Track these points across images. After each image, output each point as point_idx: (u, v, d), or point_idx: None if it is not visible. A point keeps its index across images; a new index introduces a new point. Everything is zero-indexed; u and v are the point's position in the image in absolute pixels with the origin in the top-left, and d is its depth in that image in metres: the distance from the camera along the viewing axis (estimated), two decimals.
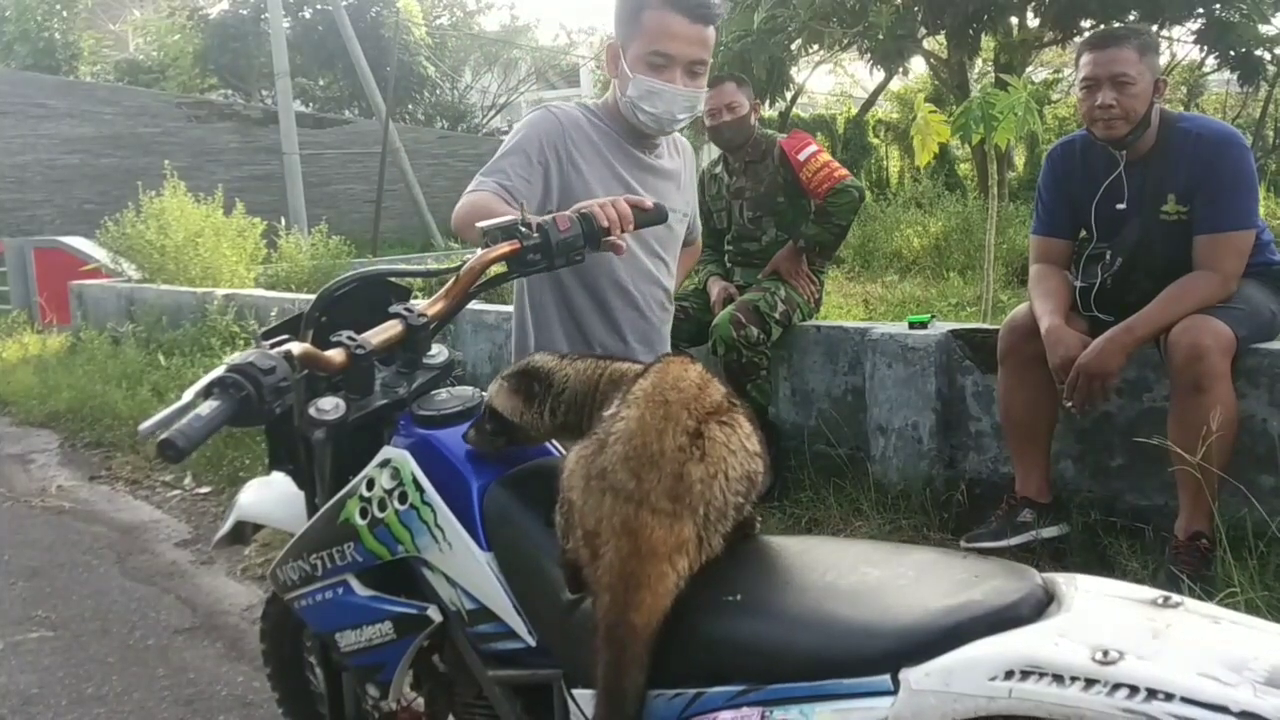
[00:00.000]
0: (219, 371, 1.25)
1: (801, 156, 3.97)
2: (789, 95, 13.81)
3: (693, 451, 1.18)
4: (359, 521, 1.49)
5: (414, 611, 1.48)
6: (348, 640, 1.55)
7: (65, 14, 20.86)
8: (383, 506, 1.47)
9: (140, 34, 25.02)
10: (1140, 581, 1.30)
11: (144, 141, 16.88)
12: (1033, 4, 11.03)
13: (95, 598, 3.62)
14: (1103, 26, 8.90)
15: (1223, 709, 0.81)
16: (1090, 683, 0.87)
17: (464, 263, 1.65)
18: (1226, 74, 11.43)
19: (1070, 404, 2.75)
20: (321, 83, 24.74)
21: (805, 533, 3.36)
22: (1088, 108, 2.82)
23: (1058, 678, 0.88)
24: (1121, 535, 2.93)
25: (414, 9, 22.66)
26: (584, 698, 1.24)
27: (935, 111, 5.64)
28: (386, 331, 1.53)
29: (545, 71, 30.74)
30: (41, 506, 4.80)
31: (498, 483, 1.43)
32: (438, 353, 1.63)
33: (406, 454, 1.47)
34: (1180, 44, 12.07)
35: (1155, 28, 9.86)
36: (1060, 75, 17.79)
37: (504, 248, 1.65)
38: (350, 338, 1.46)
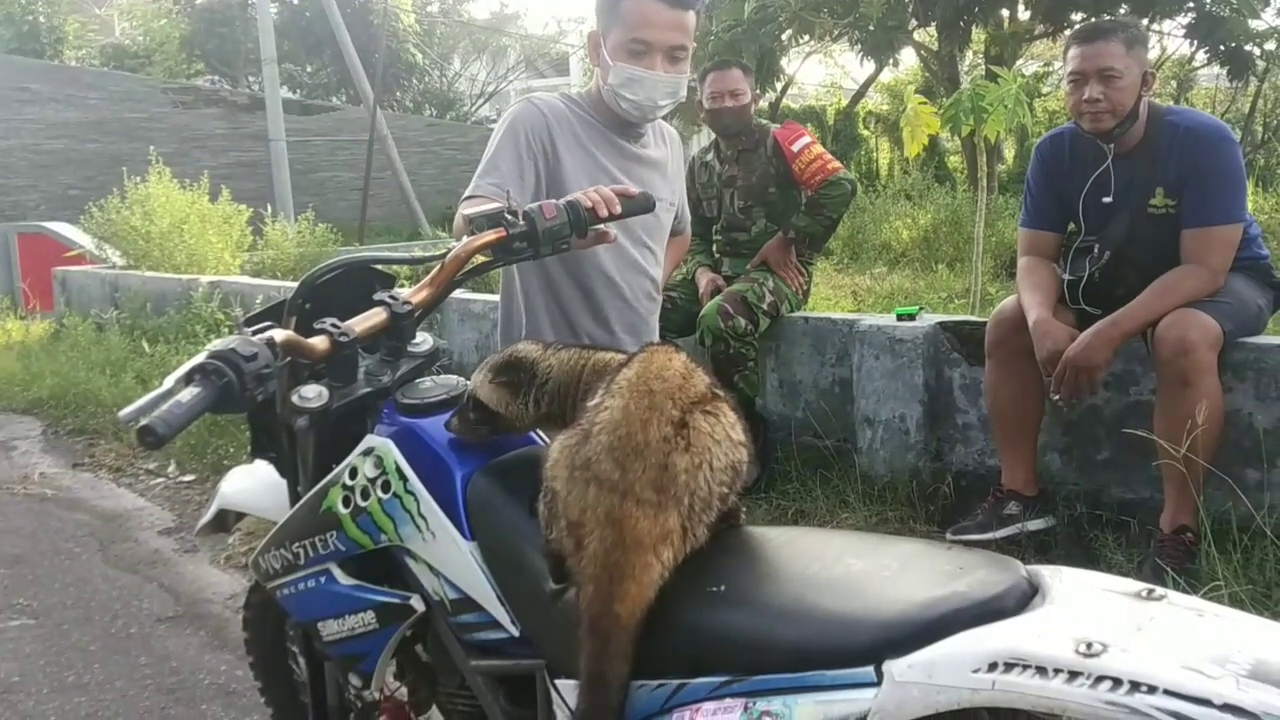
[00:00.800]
0: (200, 358, 1.24)
1: (795, 147, 3.96)
2: (779, 86, 13.80)
3: (677, 441, 1.17)
4: (341, 510, 1.48)
5: (396, 601, 1.47)
6: (330, 629, 1.54)
7: None
8: (365, 495, 1.46)
9: (126, 18, 24.83)
10: (1125, 574, 1.30)
11: (129, 127, 16.76)
12: None
13: (77, 586, 3.60)
14: (1093, 20, 8.90)
15: (1206, 702, 0.81)
16: (1074, 675, 0.87)
17: (449, 250, 1.64)
18: (1216, 69, 11.47)
19: (1057, 397, 2.75)
20: (309, 69, 24.62)
21: (792, 524, 3.36)
22: (1075, 101, 2.82)
23: (1041, 670, 0.88)
24: (1107, 528, 2.94)
25: None
26: (567, 688, 1.24)
27: (925, 103, 5.64)
28: (370, 319, 1.52)
29: (534, 60, 30.64)
30: (24, 494, 4.77)
31: (481, 472, 1.42)
32: (422, 341, 1.62)
33: (390, 442, 1.45)
34: (1170, 38, 12.10)
35: (1146, 21, 9.88)
36: (1051, 68, 17.80)
37: (490, 235, 1.64)
38: (334, 325, 1.45)
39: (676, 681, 1.12)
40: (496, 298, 5.53)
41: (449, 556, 1.39)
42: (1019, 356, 2.90)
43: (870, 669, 0.99)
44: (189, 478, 4.80)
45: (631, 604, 1.14)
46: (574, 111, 2.27)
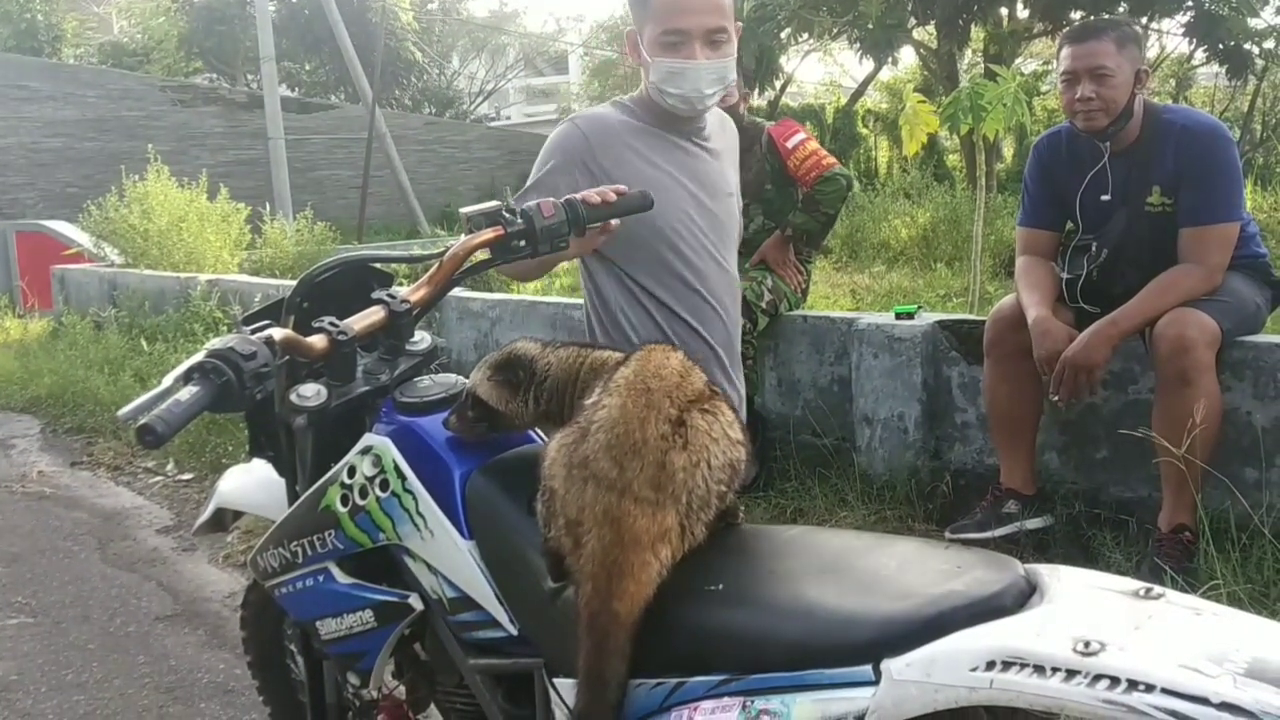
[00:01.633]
0: (199, 357, 1.24)
1: (790, 144, 3.96)
2: (778, 84, 13.80)
3: (675, 440, 1.17)
4: (340, 509, 1.48)
5: (395, 599, 1.47)
6: (328, 628, 1.54)
7: None
8: (364, 494, 1.46)
9: (124, 16, 24.83)
10: (1123, 573, 1.30)
11: (128, 125, 16.75)
12: None
13: (76, 584, 3.60)
14: (1091, 18, 8.90)
15: (1203, 700, 0.81)
16: (1071, 674, 0.87)
17: (448, 249, 1.64)
18: (1215, 67, 11.47)
19: (1056, 397, 2.75)
20: (307, 67, 24.62)
21: (790, 523, 3.36)
22: (1068, 100, 2.83)
23: (1039, 668, 0.88)
24: (1105, 527, 2.94)
25: None
26: (565, 686, 1.24)
27: (924, 101, 5.64)
28: (369, 318, 1.52)
29: (533, 58, 30.64)
30: (22, 492, 4.77)
31: (480, 471, 1.42)
32: (421, 339, 1.61)
33: (388, 441, 1.45)
34: (1169, 37, 12.10)
35: (1145, 20, 9.90)
36: (1049, 67, 17.80)
37: (488, 234, 1.64)
38: (332, 324, 1.45)
39: (675, 680, 1.12)
40: (495, 296, 5.54)
41: (447, 555, 1.39)
42: (1017, 355, 2.90)
43: (868, 667, 0.99)
44: (187, 476, 4.80)
45: (630, 602, 1.14)
46: (624, 119, 2.12)
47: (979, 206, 5.79)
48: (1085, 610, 0.95)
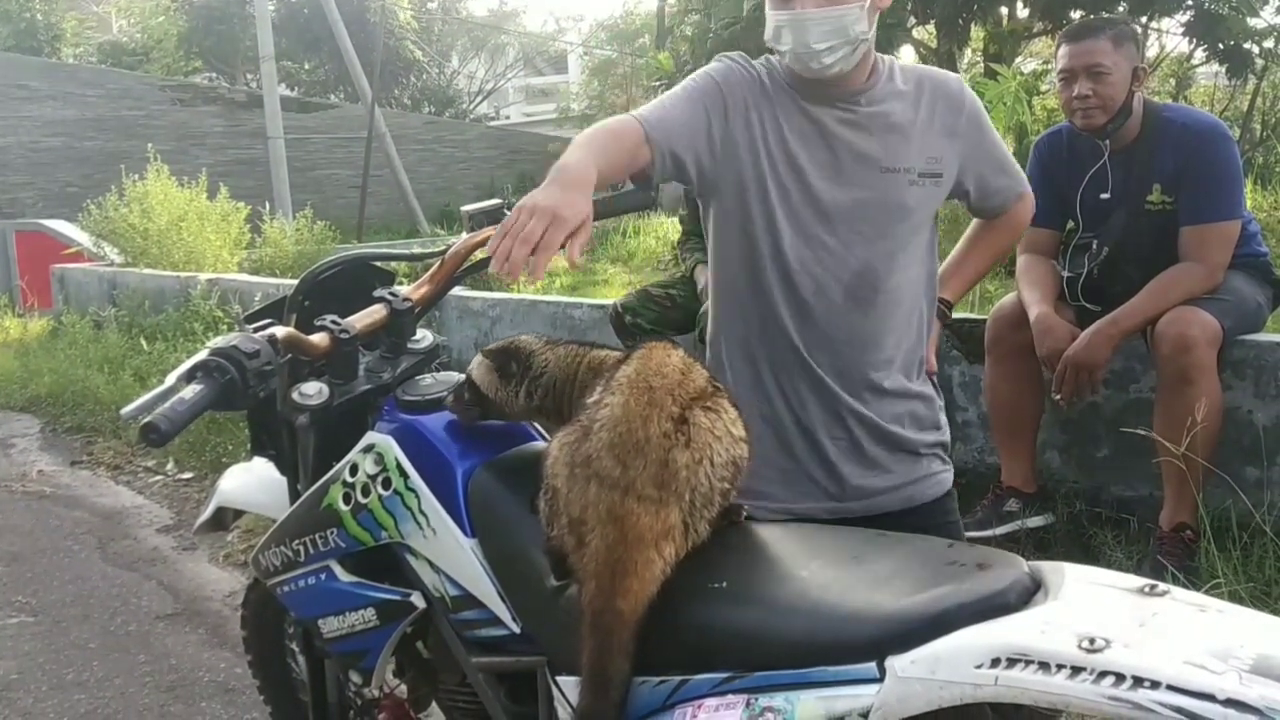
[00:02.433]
0: (202, 355, 1.24)
1: None
2: None
3: (678, 437, 1.17)
4: (342, 507, 1.48)
5: (397, 598, 1.47)
6: (330, 627, 1.54)
7: None
8: (366, 492, 1.46)
9: (124, 16, 24.81)
10: (1125, 572, 1.30)
11: (127, 124, 16.74)
12: None
13: (76, 583, 3.60)
14: (1090, 17, 8.89)
15: (1209, 697, 0.81)
16: (1077, 670, 0.86)
17: (449, 247, 1.64)
18: (1215, 66, 11.46)
19: (1059, 397, 2.75)
20: (307, 66, 24.59)
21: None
22: (1066, 99, 2.85)
23: (1044, 665, 0.88)
24: (1106, 526, 2.94)
25: None
26: (568, 684, 1.23)
27: None
28: (370, 316, 1.52)
29: (533, 58, 30.64)
30: (22, 491, 4.77)
31: (482, 468, 1.42)
32: (422, 338, 1.62)
33: (390, 439, 1.45)
34: (1169, 36, 12.10)
35: (1144, 20, 9.88)
36: (1049, 66, 17.81)
37: (489, 232, 1.64)
38: (334, 322, 1.45)
39: (679, 677, 1.12)
40: (496, 295, 5.54)
41: (450, 553, 1.39)
42: (1018, 354, 2.90)
43: (873, 665, 0.98)
44: (187, 475, 4.80)
45: (634, 600, 1.13)
46: (775, 81, 1.82)
47: None
48: (1090, 607, 0.95)
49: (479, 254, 1.65)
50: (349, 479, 1.48)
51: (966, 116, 1.85)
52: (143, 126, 16.44)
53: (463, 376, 1.55)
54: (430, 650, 1.59)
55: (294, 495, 1.62)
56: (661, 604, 1.15)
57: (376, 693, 1.73)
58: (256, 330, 1.32)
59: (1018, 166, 2.00)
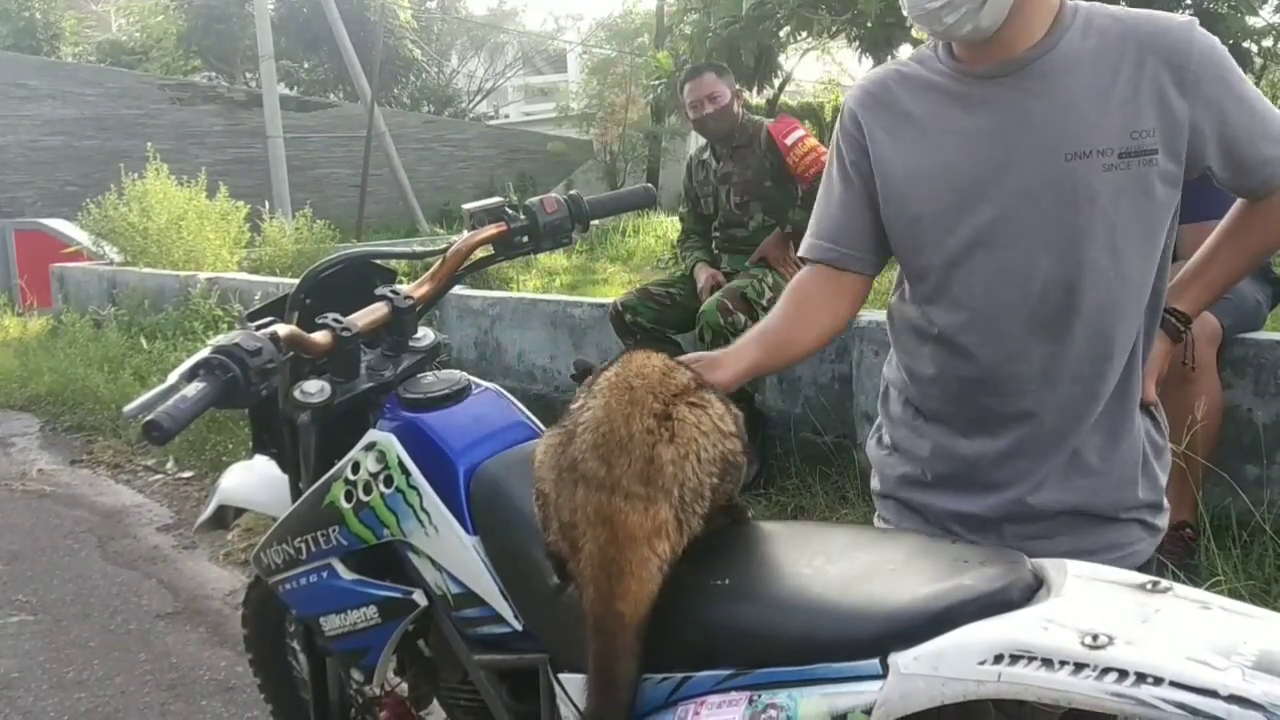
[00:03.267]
0: (204, 353, 1.24)
1: (789, 141, 3.96)
2: (777, 83, 13.79)
3: (662, 433, 1.16)
4: (344, 505, 1.48)
5: (399, 595, 1.47)
6: (332, 624, 1.54)
7: None
8: (368, 490, 1.46)
9: (123, 15, 24.80)
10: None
11: (126, 123, 16.75)
12: None
13: (76, 582, 3.60)
14: None
15: (1212, 693, 0.81)
16: (1079, 667, 0.86)
17: (450, 245, 1.64)
18: None
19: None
20: (306, 66, 24.60)
21: (792, 520, 3.36)
22: None
23: (1047, 662, 0.88)
24: None
25: None
26: (570, 682, 1.24)
27: None
28: (372, 314, 1.52)
29: (532, 57, 30.63)
30: (22, 490, 4.77)
31: (484, 466, 1.42)
32: (424, 336, 1.62)
33: (392, 437, 1.45)
34: None
35: None
36: None
37: (490, 230, 1.65)
38: (336, 320, 1.45)
39: (681, 675, 1.12)
40: (495, 294, 5.54)
41: (451, 551, 1.39)
42: None
43: (876, 661, 0.98)
44: (187, 474, 4.80)
45: (633, 601, 1.13)
46: (912, 75, 1.55)
47: None
48: (1093, 604, 0.95)
49: (480, 252, 1.66)
50: (351, 477, 1.48)
51: (1196, 68, 1.39)
52: (142, 125, 16.45)
53: (463, 374, 1.55)
54: (431, 648, 1.59)
55: (295, 493, 1.62)
56: (664, 602, 1.15)
57: (378, 691, 1.73)
58: (259, 328, 1.31)
59: None
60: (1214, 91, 1.40)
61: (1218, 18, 9.80)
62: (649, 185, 1.84)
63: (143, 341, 6.74)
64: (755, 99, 13.41)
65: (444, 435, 1.45)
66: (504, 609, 1.35)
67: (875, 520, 1.69)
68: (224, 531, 3.24)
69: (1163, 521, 1.54)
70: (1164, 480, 1.54)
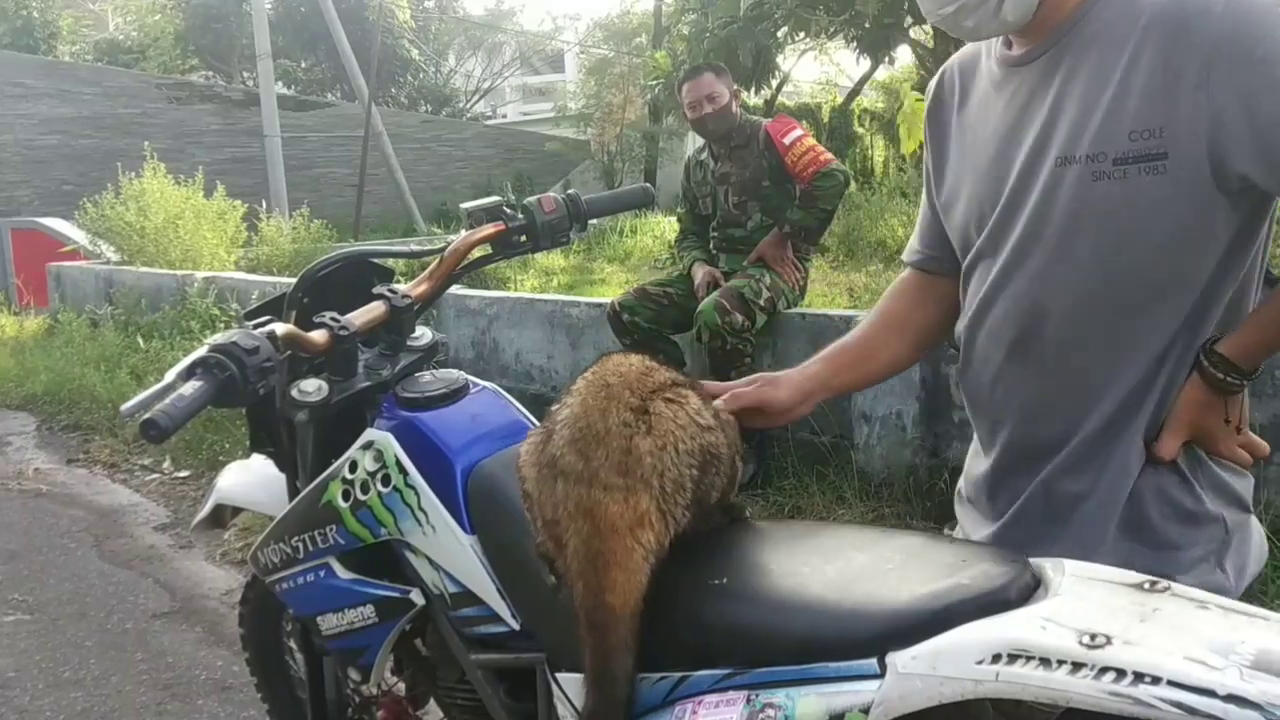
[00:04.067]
0: (202, 351, 1.23)
1: (787, 140, 3.96)
2: (774, 83, 13.79)
3: (639, 426, 1.16)
4: (341, 504, 1.47)
5: (396, 595, 1.47)
6: (329, 623, 1.54)
7: None
8: (365, 489, 1.45)
9: (120, 13, 24.79)
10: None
11: (124, 122, 16.72)
12: None
13: (73, 581, 3.59)
14: None
15: (1210, 692, 0.81)
16: (1078, 666, 0.86)
17: (448, 244, 1.64)
18: None
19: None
20: (304, 65, 24.59)
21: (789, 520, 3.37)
22: None
23: (1045, 661, 0.88)
24: None
25: None
26: (568, 681, 1.23)
27: (922, 99, 5.64)
28: (370, 313, 1.52)
29: (530, 57, 30.62)
30: (18, 489, 4.76)
31: (482, 465, 1.42)
32: (421, 335, 1.61)
33: (390, 436, 1.45)
34: None
35: None
36: None
37: (488, 229, 1.65)
38: (333, 319, 1.44)
39: (679, 674, 1.12)
40: (492, 294, 5.53)
41: (449, 550, 1.39)
42: None
43: (873, 661, 0.98)
44: (184, 474, 4.80)
45: (623, 592, 1.13)
46: (971, 63, 1.41)
47: None
48: (1091, 603, 0.95)
49: (478, 251, 1.66)
50: (348, 476, 1.47)
51: (1213, 49, 1.12)
52: (139, 124, 16.43)
53: (461, 373, 1.55)
54: (429, 647, 1.59)
55: (293, 492, 1.62)
56: (662, 600, 1.14)
57: (375, 690, 1.73)
58: (256, 327, 1.31)
59: None
60: (1242, 79, 1.11)
61: None
62: (647, 185, 1.83)
63: (139, 341, 6.74)
64: (753, 99, 13.42)
65: (442, 434, 1.45)
66: (501, 608, 1.35)
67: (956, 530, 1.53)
68: (221, 531, 3.24)
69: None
70: (1194, 554, 1.25)
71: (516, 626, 1.34)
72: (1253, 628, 0.89)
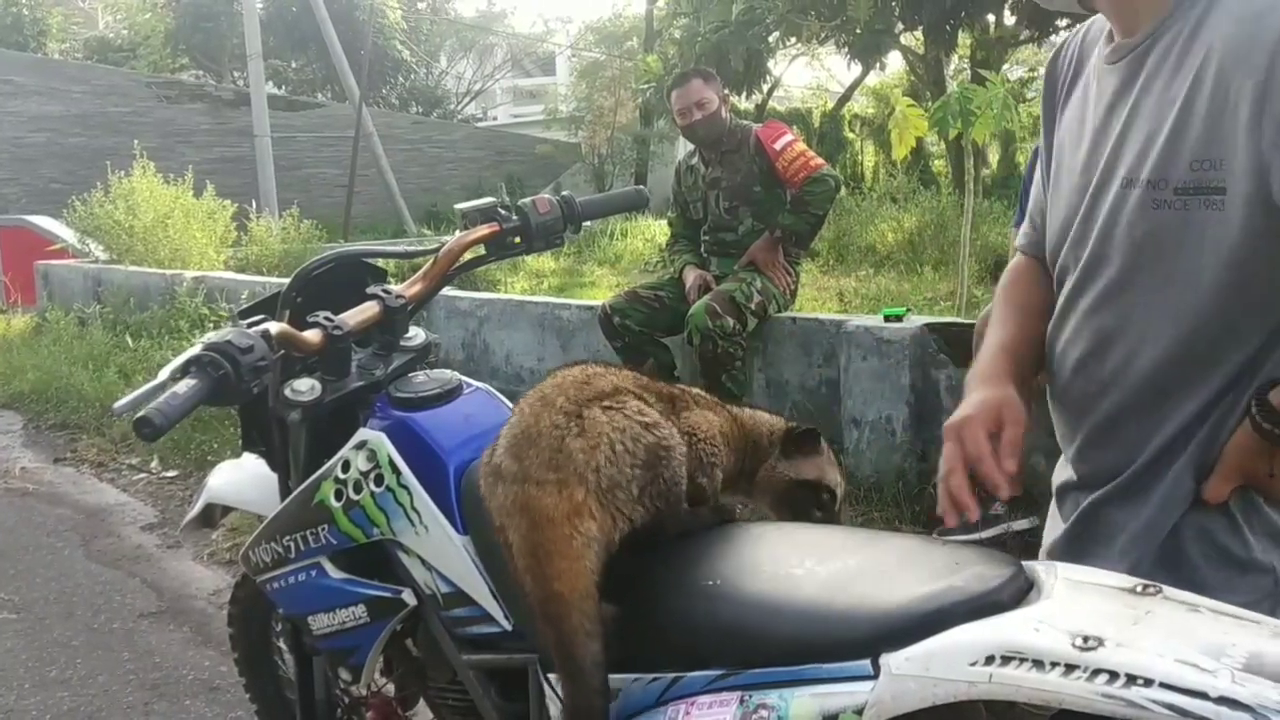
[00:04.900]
0: (196, 350, 1.23)
1: (778, 145, 3.98)
2: (765, 88, 13.83)
3: (570, 428, 1.21)
4: (333, 504, 1.47)
5: (388, 595, 1.46)
6: (320, 623, 1.53)
7: None
8: (358, 489, 1.45)
9: (110, 12, 24.72)
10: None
11: (113, 121, 16.67)
12: (1009, 1, 11.10)
13: (60, 581, 3.57)
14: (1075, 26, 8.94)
15: (1201, 694, 0.81)
16: (1070, 668, 0.87)
17: (442, 245, 1.64)
18: None
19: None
20: (294, 65, 24.54)
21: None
22: None
23: (1038, 663, 0.89)
24: None
25: None
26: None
27: (913, 106, 5.66)
28: (363, 313, 1.51)
29: (521, 59, 30.63)
30: (5, 489, 4.73)
31: (475, 466, 1.42)
32: (415, 335, 1.61)
33: (383, 436, 1.45)
34: None
35: None
36: (1035, 74, 17.92)
37: (482, 230, 1.65)
38: (327, 318, 1.44)
39: (672, 675, 1.12)
40: (483, 295, 5.52)
41: (442, 550, 1.39)
42: None
43: (867, 662, 0.99)
44: (172, 473, 4.77)
45: (569, 579, 1.15)
46: (1083, 53, 1.32)
47: (967, 211, 5.82)
48: (1084, 605, 0.96)
49: (471, 252, 1.66)
50: (341, 475, 1.47)
51: (1268, 78, 1.02)
52: (129, 123, 16.37)
53: (454, 374, 1.55)
54: (420, 648, 1.59)
55: (285, 492, 1.61)
56: (655, 601, 1.15)
57: (364, 691, 1.73)
58: (250, 326, 1.31)
59: None
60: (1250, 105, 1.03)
61: None
62: (641, 187, 1.84)
63: (128, 340, 6.71)
64: (744, 104, 13.45)
65: (435, 434, 1.45)
66: (494, 609, 1.35)
67: None
68: (209, 531, 3.23)
69: None
70: (1235, 600, 1.07)
71: (509, 627, 1.34)
72: (1244, 631, 0.90)
